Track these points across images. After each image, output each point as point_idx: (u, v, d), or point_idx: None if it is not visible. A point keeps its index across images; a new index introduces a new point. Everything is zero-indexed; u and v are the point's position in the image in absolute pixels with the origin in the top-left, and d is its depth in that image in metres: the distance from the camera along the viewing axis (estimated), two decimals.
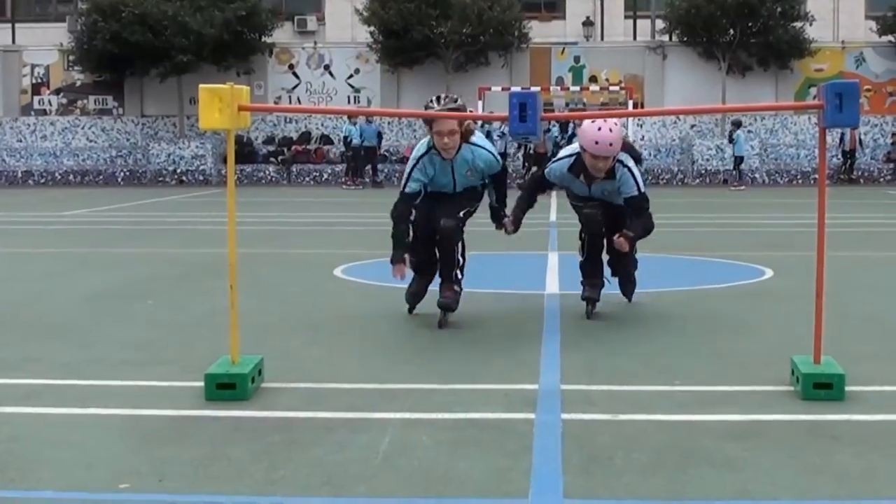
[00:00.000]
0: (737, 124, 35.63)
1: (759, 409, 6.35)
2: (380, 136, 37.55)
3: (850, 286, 11.25)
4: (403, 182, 9.20)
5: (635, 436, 5.77)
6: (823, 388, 6.58)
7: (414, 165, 9.06)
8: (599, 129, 8.86)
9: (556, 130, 35.62)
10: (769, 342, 8.46)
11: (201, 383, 6.57)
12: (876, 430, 5.98)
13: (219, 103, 6.51)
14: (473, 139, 9.06)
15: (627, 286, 10.40)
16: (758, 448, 5.55)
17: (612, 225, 9.53)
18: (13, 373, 7.45)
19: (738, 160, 35.63)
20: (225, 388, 6.44)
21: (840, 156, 37.64)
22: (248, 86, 7.15)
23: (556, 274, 12.81)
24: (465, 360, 7.76)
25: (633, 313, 10.04)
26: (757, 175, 38.51)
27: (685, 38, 39.25)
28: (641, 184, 9.40)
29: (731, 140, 35.69)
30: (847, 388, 6.62)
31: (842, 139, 37.41)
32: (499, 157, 9.35)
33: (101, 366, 7.65)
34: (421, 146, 9.14)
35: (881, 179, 38.41)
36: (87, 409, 6.41)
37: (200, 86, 6.65)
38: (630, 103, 37.21)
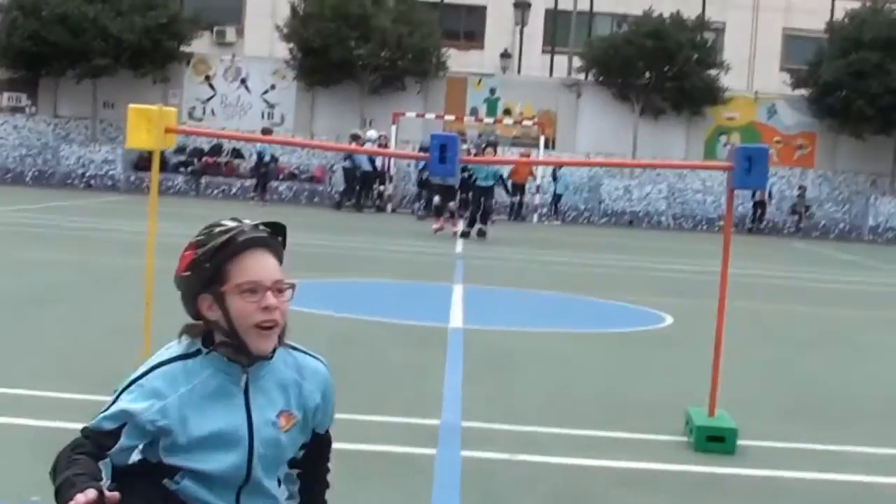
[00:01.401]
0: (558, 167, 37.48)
1: (653, 458, 6.56)
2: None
3: (747, 337, 11.54)
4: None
5: (531, 477, 5.95)
6: (716, 441, 6.81)
7: (126, 387, 3.36)
8: None
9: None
10: (665, 390, 8.68)
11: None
12: (763, 485, 6.22)
13: (147, 124, 6.60)
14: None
15: None
16: (648, 497, 5.76)
17: None
18: None
19: (558, 197, 37.39)
20: None
21: (751, 206, 38.30)
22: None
23: (461, 307, 12.96)
24: (370, 391, 7.87)
25: (534, 351, 10.22)
26: (663, 219, 39.04)
27: (601, 78, 39.70)
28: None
29: (554, 178, 36.94)
30: (738, 442, 6.84)
31: (754, 191, 38.04)
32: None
33: (12, 374, 7.66)
34: (159, 354, 3.47)
35: (785, 231, 39.11)
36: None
37: (130, 106, 6.73)
38: (542, 139, 37.58)
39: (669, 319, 12.99)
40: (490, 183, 25.99)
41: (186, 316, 3.36)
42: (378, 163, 35.31)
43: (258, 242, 3.38)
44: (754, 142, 38.26)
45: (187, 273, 3.34)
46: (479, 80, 40.44)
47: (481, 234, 25.15)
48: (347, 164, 34.93)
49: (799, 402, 8.69)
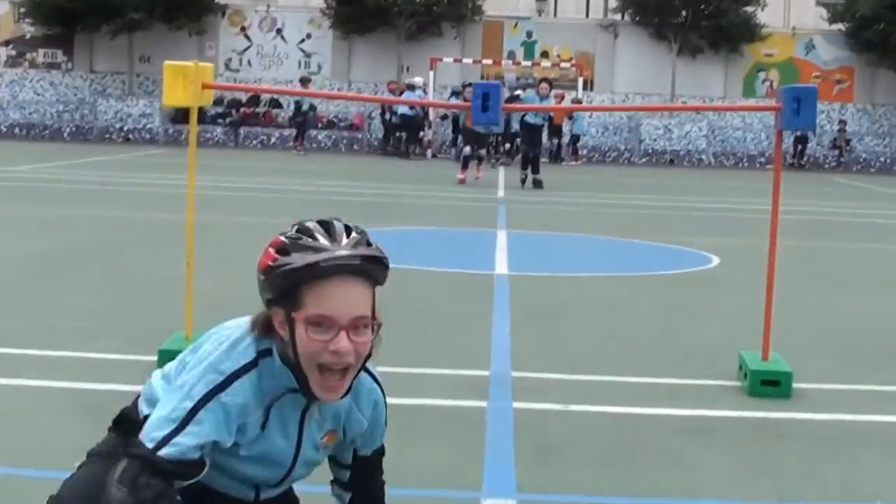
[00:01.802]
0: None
1: (707, 405, 6.45)
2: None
3: (797, 277, 11.34)
4: (158, 432, 2.95)
5: (586, 428, 5.85)
6: (771, 385, 6.69)
7: (205, 399, 2.97)
8: None
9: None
10: (716, 334, 8.55)
11: (153, 357, 6.55)
12: (820, 429, 6.11)
13: (183, 80, 6.48)
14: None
15: None
16: (705, 445, 5.65)
17: None
18: None
19: (576, 138, 36.58)
20: None
21: (792, 141, 37.96)
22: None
23: (505, 253, 12.86)
24: (415, 343, 7.75)
25: (581, 297, 10.12)
26: (703, 157, 38.76)
27: (637, 18, 39.38)
28: None
29: (570, 117, 35.83)
30: (794, 386, 6.72)
31: None
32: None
33: (47, 335, 7.58)
34: (238, 351, 3.05)
35: (826, 166, 38.78)
36: (35, 380, 6.40)
37: (165, 63, 6.60)
38: (580, 80, 37.32)
39: (716, 260, 12.84)
40: (540, 121, 24.56)
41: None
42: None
43: (348, 270, 2.89)
44: (793, 78, 37.98)
45: (262, 277, 2.97)
46: (516, 24, 40.16)
47: (538, 184, 23.36)
48: (389, 115, 34.97)
49: (852, 343, 8.54)
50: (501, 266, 11.86)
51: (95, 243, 12.51)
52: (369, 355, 3.00)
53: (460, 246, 13.90)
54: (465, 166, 24.15)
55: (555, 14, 41.71)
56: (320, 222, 2.96)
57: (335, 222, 2.98)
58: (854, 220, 19.21)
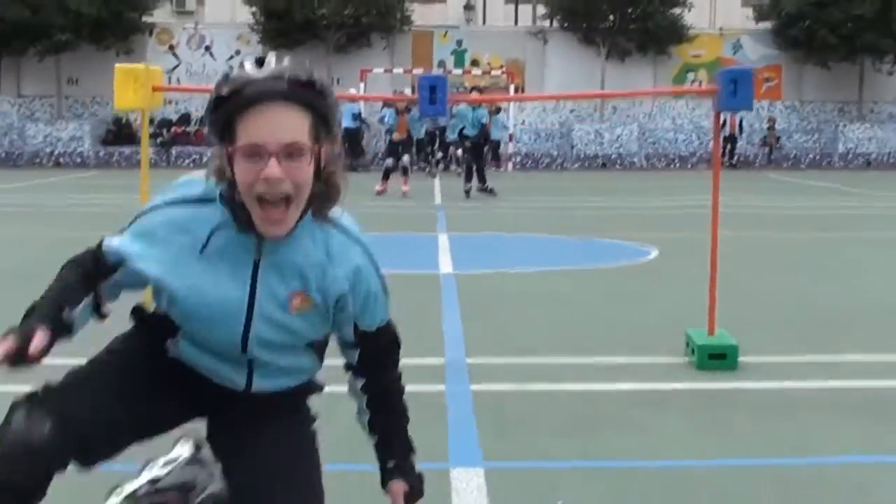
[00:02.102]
0: (496, 111, 32.60)
1: (658, 379, 6.66)
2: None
3: (737, 263, 11.59)
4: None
5: (543, 404, 6.04)
6: (718, 359, 6.92)
7: (144, 214, 3.13)
8: None
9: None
10: (662, 316, 8.78)
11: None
12: (766, 396, 6.34)
13: (133, 83, 6.62)
14: (338, 216, 3.12)
15: None
16: (660, 414, 5.86)
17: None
18: None
19: (496, 144, 34.29)
20: None
21: (721, 141, 38.32)
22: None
23: (449, 254, 13.03)
24: None
25: (527, 290, 10.31)
26: (636, 160, 39.16)
27: (566, 24, 39.74)
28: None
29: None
30: (740, 359, 6.95)
31: (723, 125, 38.08)
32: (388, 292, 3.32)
33: None
34: (187, 187, 3.10)
35: (757, 164, 39.30)
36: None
37: (116, 66, 6.75)
38: (511, 88, 37.62)
39: (655, 252, 13.09)
40: (477, 132, 23.96)
41: None
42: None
43: (274, 96, 2.78)
44: None
45: (207, 120, 2.90)
46: (445, 33, 40.42)
47: (491, 192, 23.35)
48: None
49: (793, 318, 8.84)
50: (446, 266, 12.03)
51: (38, 262, 12.52)
52: (330, 197, 2.97)
53: (403, 249, 14.04)
54: (385, 177, 23.80)
55: (483, 22, 42.00)
56: (258, 58, 2.86)
57: (271, 55, 2.89)
58: (788, 213, 19.56)
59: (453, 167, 33.15)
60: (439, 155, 33.88)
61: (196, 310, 3.00)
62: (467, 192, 23.31)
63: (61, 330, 2.95)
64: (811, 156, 40.07)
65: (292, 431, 3.22)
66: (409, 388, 6.21)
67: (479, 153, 24.17)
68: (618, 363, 7.11)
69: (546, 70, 40.23)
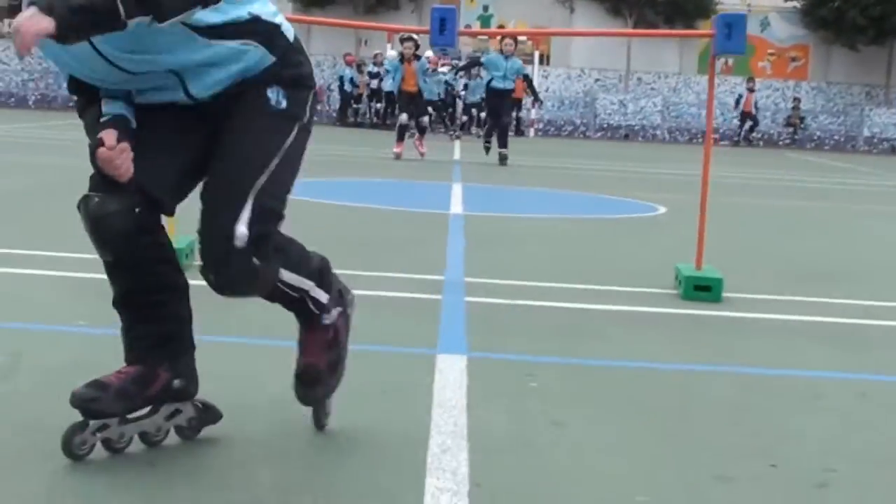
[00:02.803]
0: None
1: (643, 304, 7.02)
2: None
3: (734, 223, 11.96)
4: None
5: (531, 316, 6.42)
6: (703, 290, 7.25)
7: None
8: None
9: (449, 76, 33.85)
10: (657, 258, 9.09)
11: None
12: (744, 323, 6.68)
13: None
14: None
15: None
16: (639, 329, 6.24)
17: None
18: None
19: (468, 108, 34.86)
20: None
21: (739, 118, 38.54)
22: None
23: (461, 199, 13.38)
24: (375, 255, 8.32)
25: (532, 231, 10.66)
26: (658, 132, 39.42)
27: None
28: None
29: (465, 87, 34.66)
30: (725, 295, 7.28)
31: (737, 102, 38.33)
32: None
33: (46, 240, 8.16)
34: None
35: (780, 143, 39.49)
36: (38, 270, 6.98)
37: None
38: (536, 55, 37.87)
39: (663, 209, 13.42)
40: (510, 85, 21.61)
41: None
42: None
43: None
44: (748, 55, 38.65)
45: None
46: None
47: (503, 159, 20.78)
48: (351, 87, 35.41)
49: (785, 268, 9.15)
50: (456, 208, 12.39)
51: (77, 182, 12.91)
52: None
53: (416, 193, 14.42)
54: (400, 137, 21.14)
55: None
56: None
57: None
58: (800, 185, 19.82)
59: (474, 129, 33.09)
60: (464, 119, 34.05)
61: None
62: (487, 149, 21.69)
63: None
64: (836, 138, 40.22)
65: (249, 119, 3.55)
66: (409, 296, 6.65)
67: (505, 110, 21.93)
68: (607, 290, 7.46)
69: (572, 39, 40.44)
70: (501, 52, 21.55)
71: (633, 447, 4.03)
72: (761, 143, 38.90)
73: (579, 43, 40.27)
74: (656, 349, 5.74)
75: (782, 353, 5.86)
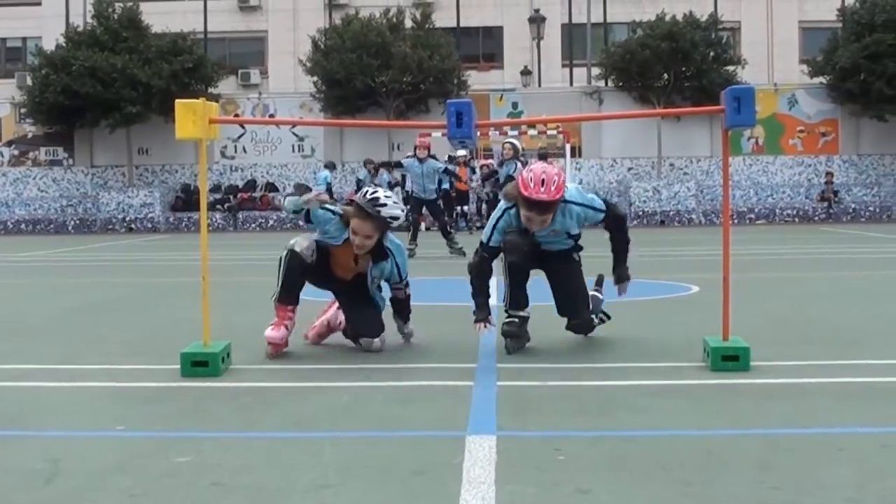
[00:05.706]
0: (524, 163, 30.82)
1: (672, 377, 7.18)
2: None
3: (763, 295, 12.10)
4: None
5: (562, 394, 6.60)
6: (731, 360, 7.41)
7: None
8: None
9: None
10: (688, 333, 9.26)
11: (177, 365, 7.32)
12: (775, 388, 6.82)
13: (192, 116, 7.31)
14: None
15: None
16: (668, 400, 6.39)
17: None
18: (4, 359, 8.28)
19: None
20: (199, 366, 7.21)
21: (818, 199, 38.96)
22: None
23: (496, 290, 13.55)
24: (410, 352, 8.55)
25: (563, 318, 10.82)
26: (693, 216, 39.55)
27: (621, 84, 40.34)
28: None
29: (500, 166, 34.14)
30: (754, 363, 7.43)
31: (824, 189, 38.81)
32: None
33: (85, 356, 8.46)
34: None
35: (815, 219, 39.53)
36: (78, 382, 7.22)
37: (177, 101, 7.46)
38: (567, 147, 38.20)
39: (696, 288, 13.57)
40: (431, 196, 22.53)
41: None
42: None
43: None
44: (777, 133, 38.95)
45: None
46: (501, 96, 41.14)
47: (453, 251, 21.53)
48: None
49: (812, 335, 9.27)
50: (492, 299, 12.54)
51: (116, 299, 13.29)
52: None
53: (451, 287, 14.58)
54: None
55: (539, 85, 42.69)
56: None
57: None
58: (832, 257, 19.90)
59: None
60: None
61: None
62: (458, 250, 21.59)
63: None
64: (871, 209, 40.19)
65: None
66: (442, 383, 6.85)
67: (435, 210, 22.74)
68: (636, 367, 7.63)
69: (602, 130, 40.78)
70: (417, 157, 22.43)
71: None
72: (796, 220, 38.98)
73: (610, 133, 40.60)
74: (683, 417, 5.89)
75: (808, 413, 6.00)
